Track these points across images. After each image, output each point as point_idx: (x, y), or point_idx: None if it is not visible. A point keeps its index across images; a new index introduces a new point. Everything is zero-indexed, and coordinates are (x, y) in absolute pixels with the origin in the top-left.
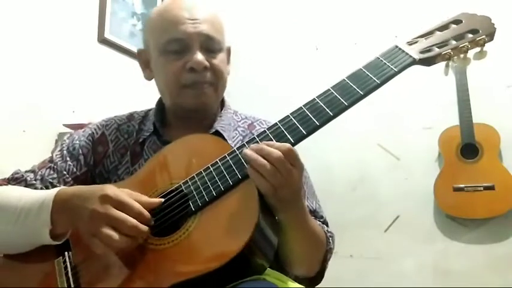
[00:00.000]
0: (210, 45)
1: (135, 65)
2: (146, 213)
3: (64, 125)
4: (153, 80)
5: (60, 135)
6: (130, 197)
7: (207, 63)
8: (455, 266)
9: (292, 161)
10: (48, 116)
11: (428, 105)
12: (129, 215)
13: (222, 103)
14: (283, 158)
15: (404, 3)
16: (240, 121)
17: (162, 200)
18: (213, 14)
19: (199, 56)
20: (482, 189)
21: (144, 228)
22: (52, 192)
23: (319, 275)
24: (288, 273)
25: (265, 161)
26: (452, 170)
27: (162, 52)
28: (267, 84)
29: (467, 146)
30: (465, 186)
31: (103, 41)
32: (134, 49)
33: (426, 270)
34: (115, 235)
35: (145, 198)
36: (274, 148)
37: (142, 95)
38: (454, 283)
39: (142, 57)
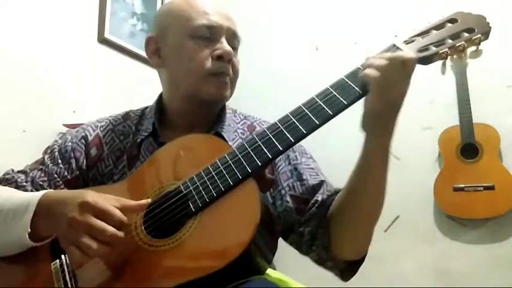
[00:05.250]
0: (234, 43)
1: (135, 65)
2: (126, 219)
3: (64, 125)
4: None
5: (60, 135)
6: (114, 202)
7: (232, 56)
8: (455, 266)
9: (405, 62)
10: (48, 116)
11: (428, 105)
12: (109, 223)
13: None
14: (395, 56)
15: (404, 2)
16: (239, 122)
17: (149, 200)
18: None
19: (228, 46)
20: (482, 189)
21: (122, 235)
22: (37, 195)
23: (359, 263)
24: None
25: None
26: (452, 170)
27: (190, 37)
28: (267, 84)
29: (467, 146)
30: (465, 186)
31: (103, 41)
32: (134, 49)
33: (426, 270)
34: (93, 244)
35: (132, 203)
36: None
37: (142, 95)
38: (454, 283)
39: (152, 44)
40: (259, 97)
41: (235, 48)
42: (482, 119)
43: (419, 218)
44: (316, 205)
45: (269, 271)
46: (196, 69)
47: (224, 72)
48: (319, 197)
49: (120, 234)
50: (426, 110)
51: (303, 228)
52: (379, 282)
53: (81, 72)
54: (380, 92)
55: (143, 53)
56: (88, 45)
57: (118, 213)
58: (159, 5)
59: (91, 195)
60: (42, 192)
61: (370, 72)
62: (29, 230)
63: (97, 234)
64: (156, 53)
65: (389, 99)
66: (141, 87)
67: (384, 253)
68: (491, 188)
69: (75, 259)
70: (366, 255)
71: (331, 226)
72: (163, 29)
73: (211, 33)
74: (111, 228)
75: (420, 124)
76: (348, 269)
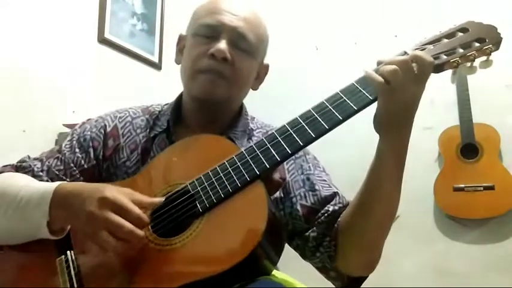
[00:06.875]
0: (240, 43)
1: (135, 65)
2: (145, 217)
3: (64, 125)
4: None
5: (60, 135)
6: (131, 198)
7: (228, 55)
8: (455, 266)
9: (419, 66)
10: (48, 116)
11: (428, 105)
12: (127, 220)
13: (240, 109)
14: (407, 60)
15: (404, 3)
16: (255, 130)
17: (163, 199)
18: (256, 18)
19: (223, 45)
20: (482, 189)
21: (141, 233)
22: (52, 185)
23: (362, 280)
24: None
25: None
26: (452, 170)
27: (193, 34)
28: (266, 84)
29: (467, 146)
30: (465, 186)
31: (103, 41)
32: (134, 49)
33: (426, 270)
34: (111, 240)
35: (146, 199)
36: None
37: (142, 95)
38: (454, 283)
39: (180, 42)
40: (259, 97)
41: (241, 49)
42: (482, 119)
43: (419, 218)
44: (326, 215)
45: (274, 272)
46: (190, 65)
47: (213, 70)
48: (330, 207)
49: (137, 231)
50: (426, 110)
51: (308, 234)
52: (379, 282)
53: (81, 72)
54: (386, 97)
55: (143, 53)
56: (88, 45)
57: (136, 210)
58: (159, 5)
59: (109, 190)
60: (55, 183)
61: (376, 77)
62: (48, 218)
63: (115, 230)
64: (181, 50)
65: (398, 103)
66: (141, 87)
67: (383, 253)
68: (491, 188)
69: (94, 250)
70: (371, 272)
71: (339, 236)
72: (187, 29)
73: (211, 32)
74: (128, 225)
75: (420, 124)
76: (350, 285)
